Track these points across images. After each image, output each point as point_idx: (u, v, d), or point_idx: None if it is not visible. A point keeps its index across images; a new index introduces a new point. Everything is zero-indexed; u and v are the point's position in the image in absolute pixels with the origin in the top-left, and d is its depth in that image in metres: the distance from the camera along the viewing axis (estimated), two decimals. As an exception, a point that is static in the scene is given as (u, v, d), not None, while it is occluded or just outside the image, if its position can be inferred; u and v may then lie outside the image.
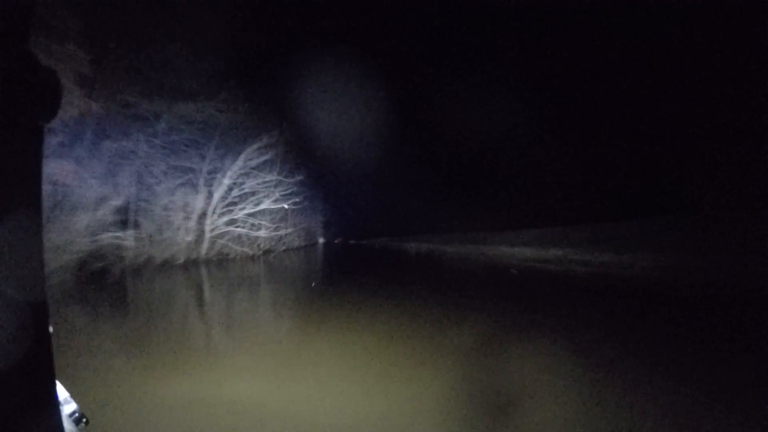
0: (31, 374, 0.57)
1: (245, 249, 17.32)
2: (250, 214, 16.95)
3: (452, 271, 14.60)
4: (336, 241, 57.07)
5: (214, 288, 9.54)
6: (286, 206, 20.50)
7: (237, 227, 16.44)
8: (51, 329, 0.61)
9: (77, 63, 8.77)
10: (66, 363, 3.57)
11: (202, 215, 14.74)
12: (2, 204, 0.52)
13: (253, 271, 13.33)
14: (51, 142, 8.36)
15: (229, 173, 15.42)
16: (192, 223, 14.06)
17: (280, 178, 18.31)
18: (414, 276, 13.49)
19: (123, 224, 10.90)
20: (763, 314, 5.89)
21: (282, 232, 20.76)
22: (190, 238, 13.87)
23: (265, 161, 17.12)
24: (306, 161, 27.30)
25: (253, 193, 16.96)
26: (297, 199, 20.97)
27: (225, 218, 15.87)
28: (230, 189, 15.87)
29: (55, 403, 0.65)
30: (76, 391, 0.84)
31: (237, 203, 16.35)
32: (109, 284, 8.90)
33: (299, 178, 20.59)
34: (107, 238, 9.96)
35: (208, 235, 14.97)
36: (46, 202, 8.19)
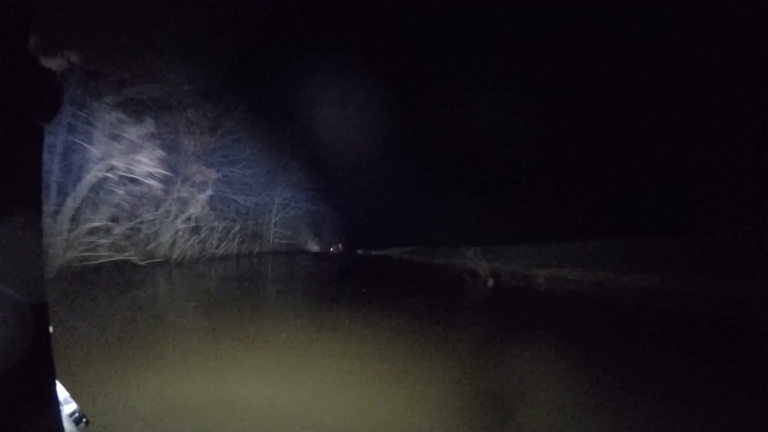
0: (31, 374, 0.57)
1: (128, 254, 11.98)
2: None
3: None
4: (332, 250, 44.26)
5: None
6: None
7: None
8: (51, 329, 0.61)
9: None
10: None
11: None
12: (2, 204, 0.52)
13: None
14: None
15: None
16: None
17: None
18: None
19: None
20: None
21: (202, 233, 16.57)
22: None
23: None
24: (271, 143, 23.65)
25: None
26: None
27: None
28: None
29: (55, 403, 0.65)
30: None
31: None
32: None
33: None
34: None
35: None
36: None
